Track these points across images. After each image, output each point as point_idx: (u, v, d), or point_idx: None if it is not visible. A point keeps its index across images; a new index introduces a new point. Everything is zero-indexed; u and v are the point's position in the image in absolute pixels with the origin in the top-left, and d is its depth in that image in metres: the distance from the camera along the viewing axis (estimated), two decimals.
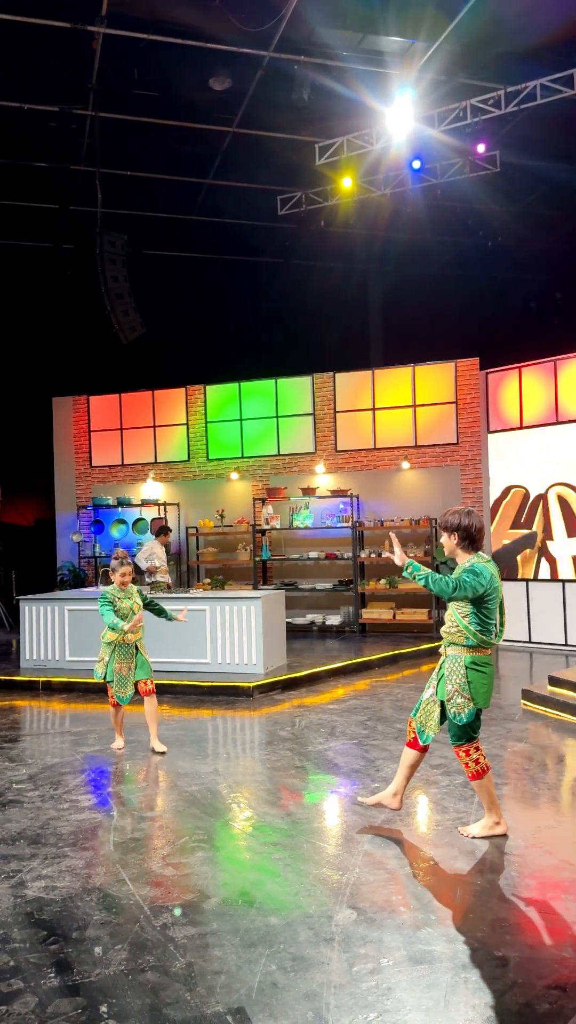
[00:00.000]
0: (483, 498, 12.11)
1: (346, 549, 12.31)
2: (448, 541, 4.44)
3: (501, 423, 11.90)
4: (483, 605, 4.32)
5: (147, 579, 10.87)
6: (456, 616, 4.38)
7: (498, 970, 3.14)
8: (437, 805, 5.05)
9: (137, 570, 8.91)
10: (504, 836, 4.49)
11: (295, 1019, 2.86)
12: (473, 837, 4.48)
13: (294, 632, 11.92)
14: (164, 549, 11.30)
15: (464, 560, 4.41)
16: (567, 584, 10.99)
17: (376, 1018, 2.86)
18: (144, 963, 3.28)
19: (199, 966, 3.24)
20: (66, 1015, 2.95)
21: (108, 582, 11.72)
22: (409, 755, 4.63)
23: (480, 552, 4.43)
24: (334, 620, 12.28)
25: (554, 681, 7.77)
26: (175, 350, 14.69)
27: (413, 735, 4.59)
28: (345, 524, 12.23)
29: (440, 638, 4.60)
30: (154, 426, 13.98)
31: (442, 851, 4.34)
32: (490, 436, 11.98)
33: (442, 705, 4.46)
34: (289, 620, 11.01)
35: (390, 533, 5.06)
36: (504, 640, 11.72)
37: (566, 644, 11.05)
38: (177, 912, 3.72)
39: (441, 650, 4.55)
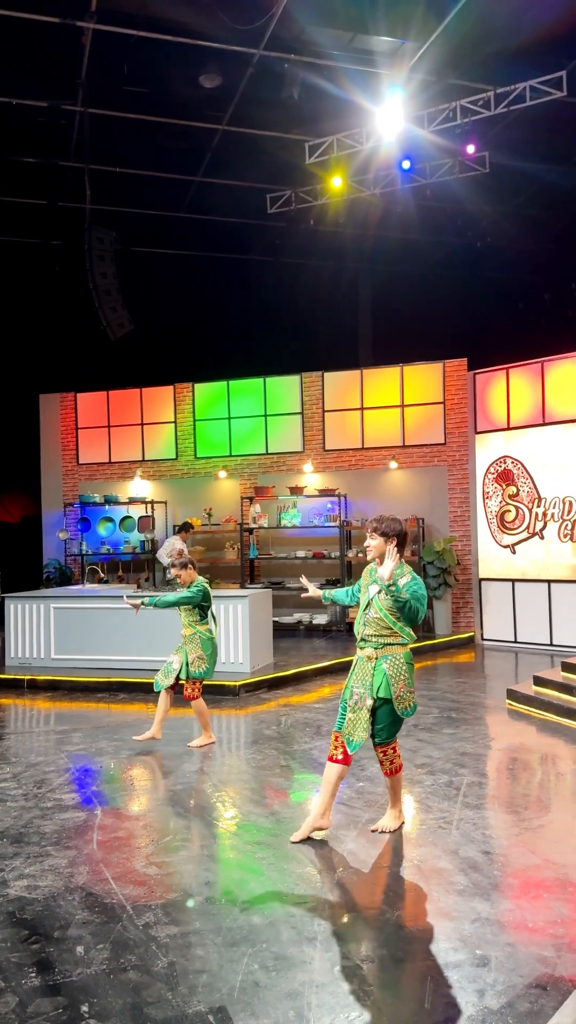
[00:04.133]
0: (470, 498, 12.14)
1: (333, 548, 12.31)
2: (383, 544, 4.50)
3: (489, 424, 11.93)
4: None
5: (168, 575, 10.96)
6: (388, 618, 4.44)
7: (479, 970, 3.15)
8: (421, 804, 5.06)
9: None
10: (403, 824, 4.66)
11: (276, 1018, 2.86)
12: (392, 831, 4.58)
13: (281, 631, 11.91)
14: (186, 546, 11.27)
15: (390, 563, 4.43)
16: (552, 584, 11.04)
17: (357, 1017, 2.86)
18: (126, 962, 3.27)
19: (181, 965, 3.24)
20: (47, 1015, 2.94)
21: (95, 580, 11.76)
22: (334, 770, 4.52)
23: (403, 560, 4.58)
24: (321, 619, 12.29)
25: (539, 681, 7.80)
26: (163, 348, 14.65)
27: (342, 749, 4.51)
28: (333, 523, 12.24)
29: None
30: (142, 424, 13.93)
31: (425, 850, 4.35)
32: (482, 436, 12.02)
33: (374, 707, 4.47)
34: (276, 619, 11.01)
35: (301, 576, 5.29)
36: (489, 639, 11.77)
37: (551, 644, 11.10)
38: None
39: (367, 654, 4.53)
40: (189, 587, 6.55)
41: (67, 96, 11.85)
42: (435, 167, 13.14)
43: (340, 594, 4.91)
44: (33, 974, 3.21)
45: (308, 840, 4.50)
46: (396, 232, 14.55)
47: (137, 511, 13.64)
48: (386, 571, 4.40)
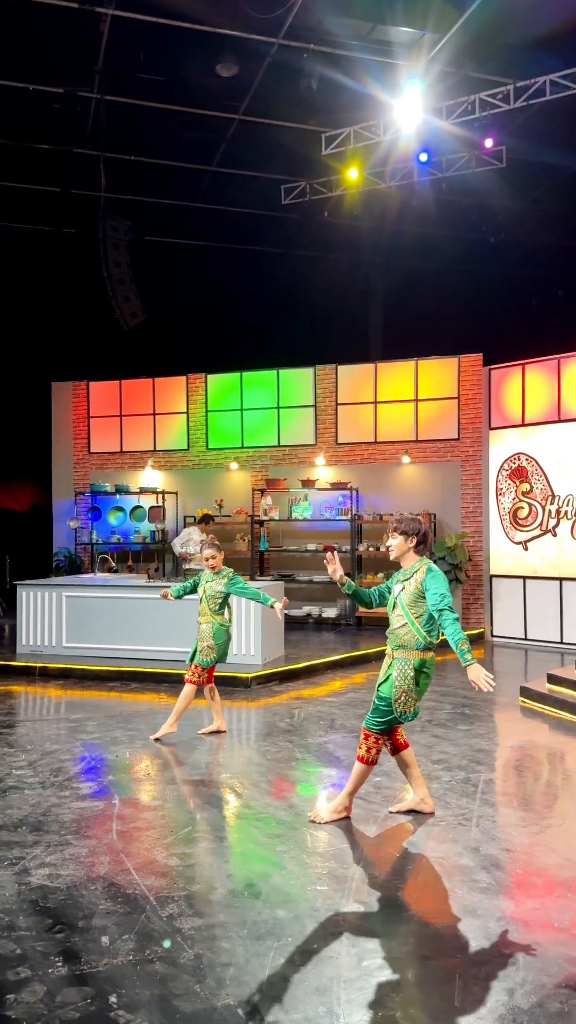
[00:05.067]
0: (483, 494, 12.11)
1: (344, 542, 12.29)
2: (403, 543, 4.55)
3: (503, 420, 11.89)
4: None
5: (183, 565, 10.91)
6: (408, 616, 4.47)
7: (507, 968, 3.14)
8: (440, 801, 5.05)
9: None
10: (348, 819, 4.69)
11: (307, 1013, 2.85)
12: (324, 822, 4.62)
13: (290, 624, 11.87)
14: (203, 536, 11.18)
15: (412, 561, 4.54)
16: (564, 582, 11.01)
17: (388, 1014, 2.85)
18: (152, 953, 3.27)
19: (207, 958, 3.23)
20: (75, 1004, 2.93)
21: (105, 569, 11.75)
22: (399, 759, 4.77)
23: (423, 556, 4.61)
24: (330, 613, 12.28)
25: (553, 679, 7.78)
26: (176, 338, 14.60)
27: (393, 742, 4.70)
28: (344, 517, 12.22)
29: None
30: (154, 414, 13.91)
31: (446, 847, 4.34)
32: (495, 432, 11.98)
33: (377, 698, 4.55)
34: (285, 612, 10.97)
35: (332, 552, 4.92)
36: (499, 636, 11.76)
37: (561, 642, 11.08)
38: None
39: (388, 650, 4.59)
40: (219, 573, 6.52)
41: (83, 83, 11.78)
42: (452, 160, 13.06)
43: (363, 592, 4.80)
44: (59, 963, 3.20)
45: (327, 834, 4.49)
46: (412, 226, 14.48)
47: (148, 501, 13.63)
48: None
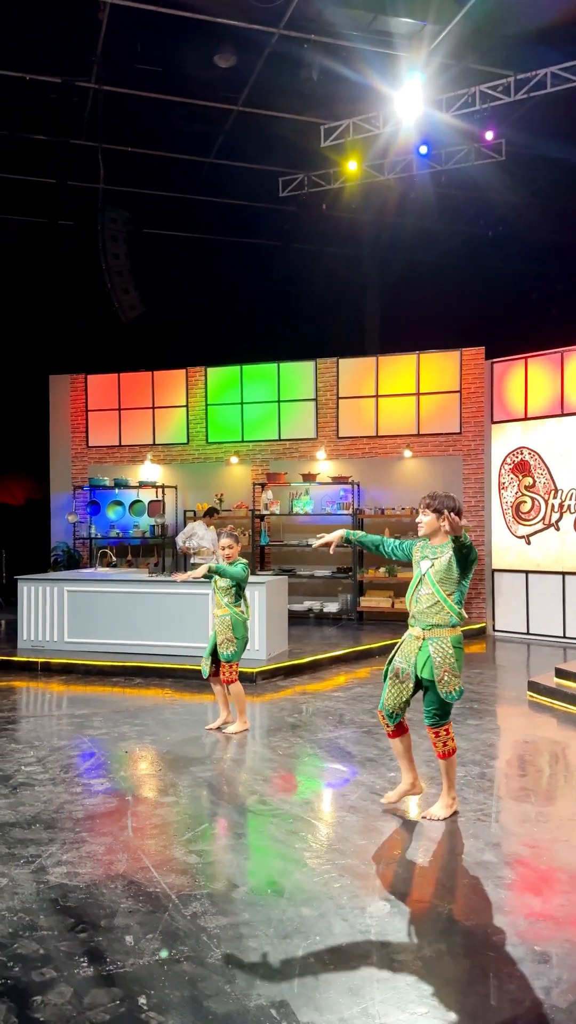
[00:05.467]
0: (485, 489, 12.07)
1: None
2: (435, 521, 4.50)
3: (506, 414, 11.85)
4: (464, 581, 4.47)
5: (189, 559, 10.87)
6: (440, 595, 4.46)
7: (541, 966, 3.09)
8: (457, 796, 5.00)
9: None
10: (457, 813, 4.63)
11: (342, 1014, 2.80)
12: (442, 819, 4.56)
13: (291, 618, 11.80)
14: (212, 533, 11.07)
15: (442, 540, 4.50)
16: (567, 576, 10.99)
17: (425, 1014, 2.80)
18: (178, 953, 3.21)
19: (236, 957, 3.17)
20: (104, 1006, 2.87)
21: (108, 563, 11.66)
22: (397, 744, 4.75)
23: None
24: (332, 607, 12.23)
25: (561, 673, 7.75)
26: (176, 331, 14.50)
27: (390, 725, 4.69)
28: (345, 511, 12.16)
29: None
30: (153, 407, 13.81)
31: (468, 843, 4.29)
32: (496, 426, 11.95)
33: (417, 685, 4.53)
34: (289, 608, 10.93)
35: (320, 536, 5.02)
36: (501, 630, 11.74)
37: (564, 636, 11.06)
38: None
39: (415, 633, 4.55)
40: (234, 563, 6.44)
41: (81, 72, 11.65)
42: (451, 153, 13.00)
43: (368, 538, 4.82)
44: (85, 964, 3.14)
45: (345, 830, 4.44)
46: (411, 218, 14.41)
47: (147, 495, 13.54)
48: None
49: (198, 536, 10.89)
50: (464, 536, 4.29)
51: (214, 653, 6.50)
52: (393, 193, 13.98)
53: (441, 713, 4.53)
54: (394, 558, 4.81)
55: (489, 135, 12.38)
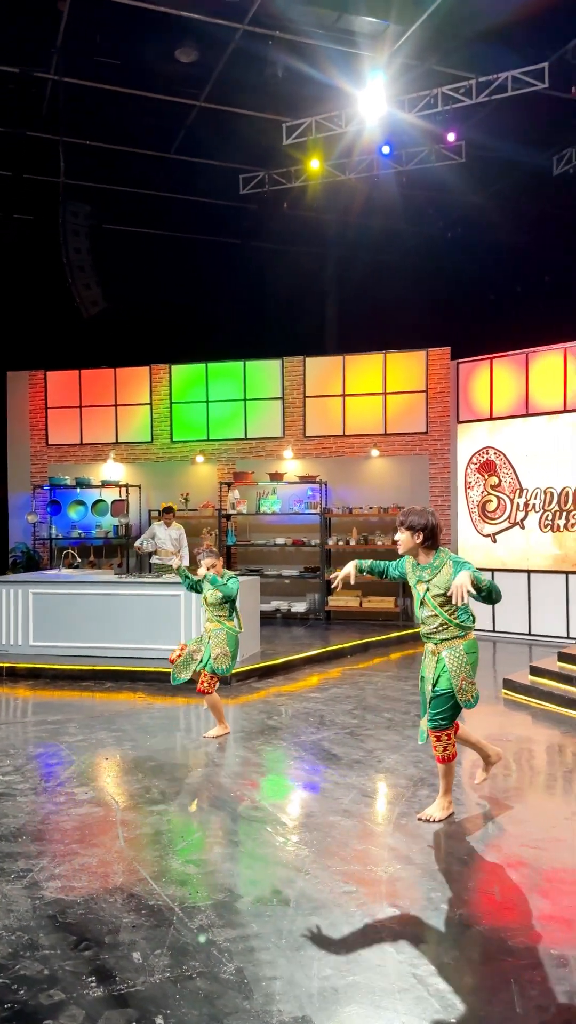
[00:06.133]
0: (451, 488, 12.15)
1: (313, 536, 12.20)
2: (409, 539, 4.46)
3: (471, 414, 11.93)
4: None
5: (150, 560, 10.71)
6: (442, 615, 4.47)
7: (560, 971, 3.07)
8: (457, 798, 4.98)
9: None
10: (452, 815, 4.63)
11: None
12: (437, 821, 4.54)
13: (260, 619, 11.74)
14: (173, 532, 10.90)
15: (427, 557, 4.48)
16: (532, 575, 11.11)
17: None
18: (190, 969, 3.11)
19: (250, 971, 3.09)
20: None
21: (69, 564, 11.41)
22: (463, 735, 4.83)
23: (440, 548, 4.54)
24: (299, 607, 12.17)
25: (536, 671, 7.82)
26: (139, 327, 14.26)
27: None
28: (313, 511, 12.12)
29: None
30: (115, 405, 13.57)
31: (467, 845, 4.27)
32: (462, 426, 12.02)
33: (436, 697, 4.52)
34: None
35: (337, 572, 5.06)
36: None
37: (529, 634, 11.19)
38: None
39: (430, 648, 4.56)
40: (225, 578, 6.32)
41: (41, 64, 11.38)
42: (412, 154, 13.06)
43: (377, 566, 4.81)
44: (93, 984, 3.02)
45: (343, 835, 4.38)
46: (374, 218, 14.42)
47: (110, 495, 13.30)
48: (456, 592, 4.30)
49: (159, 537, 10.75)
50: (480, 580, 4.31)
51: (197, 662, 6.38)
52: (355, 192, 13.98)
53: (447, 717, 4.51)
54: (399, 578, 4.74)
55: (451, 136, 12.47)
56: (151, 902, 3.66)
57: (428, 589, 4.46)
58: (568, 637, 10.67)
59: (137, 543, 10.90)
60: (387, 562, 4.86)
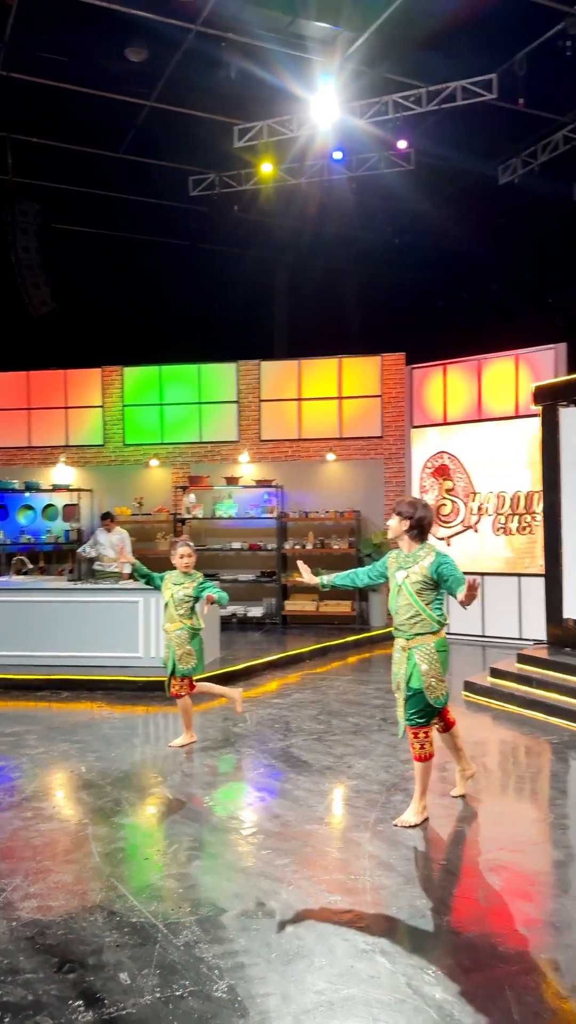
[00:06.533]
0: (406, 492, 12.23)
1: (270, 540, 12.15)
2: (398, 525, 4.58)
3: (426, 419, 12.05)
4: (441, 588, 4.52)
5: (93, 566, 10.48)
6: (417, 603, 4.50)
7: (553, 974, 3.09)
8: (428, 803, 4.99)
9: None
10: (427, 820, 4.62)
11: None
12: (411, 826, 4.54)
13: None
14: (114, 536, 10.71)
15: (411, 547, 4.57)
16: (486, 577, 11.25)
17: None
18: (180, 988, 3.03)
19: (243, 988, 3.02)
20: None
21: (18, 570, 11.14)
22: (443, 739, 4.90)
23: (426, 542, 4.62)
24: (256, 612, 12.12)
25: (496, 673, 7.92)
26: (90, 329, 14.03)
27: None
28: (269, 515, 12.08)
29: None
30: (66, 407, 13.33)
31: (448, 851, 4.28)
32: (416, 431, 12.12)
33: (410, 696, 4.57)
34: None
35: (299, 562, 5.43)
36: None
37: (483, 635, 11.33)
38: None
39: (400, 644, 4.62)
40: (189, 575, 6.22)
41: None
42: (362, 160, 13.16)
43: (343, 578, 4.93)
44: (82, 1008, 2.92)
45: (322, 844, 4.35)
46: (326, 223, 14.46)
47: (61, 499, 13.04)
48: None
49: (100, 543, 10.59)
50: (436, 574, 4.45)
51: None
52: (307, 197, 14.00)
53: (423, 715, 4.54)
54: (372, 584, 4.85)
55: (403, 144, 12.58)
56: (133, 919, 3.57)
57: (408, 576, 4.50)
58: (521, 638, 10.84)
59: (79, 550, 10.75)
60: (356, 571, 4.88)
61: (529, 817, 4.81)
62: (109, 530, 10.77)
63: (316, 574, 5.12)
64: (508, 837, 4.45)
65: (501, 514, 11.19)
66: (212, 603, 6.07)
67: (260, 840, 4.42)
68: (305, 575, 5.09)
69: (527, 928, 3.45)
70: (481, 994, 2.98)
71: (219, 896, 3.78)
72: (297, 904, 3.68)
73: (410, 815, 4.60)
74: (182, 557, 6.20)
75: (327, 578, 4.99)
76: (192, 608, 6.24)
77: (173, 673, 6.20)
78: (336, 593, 12.01)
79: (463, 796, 5.01)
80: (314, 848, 4.30)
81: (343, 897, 3.74)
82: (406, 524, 4.54)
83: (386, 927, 3.47)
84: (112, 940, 3.39)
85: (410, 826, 4.54)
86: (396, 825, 4.56)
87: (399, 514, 4.59)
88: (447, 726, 4.82)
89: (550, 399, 8.33)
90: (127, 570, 10.27)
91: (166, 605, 6.27)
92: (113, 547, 10.65)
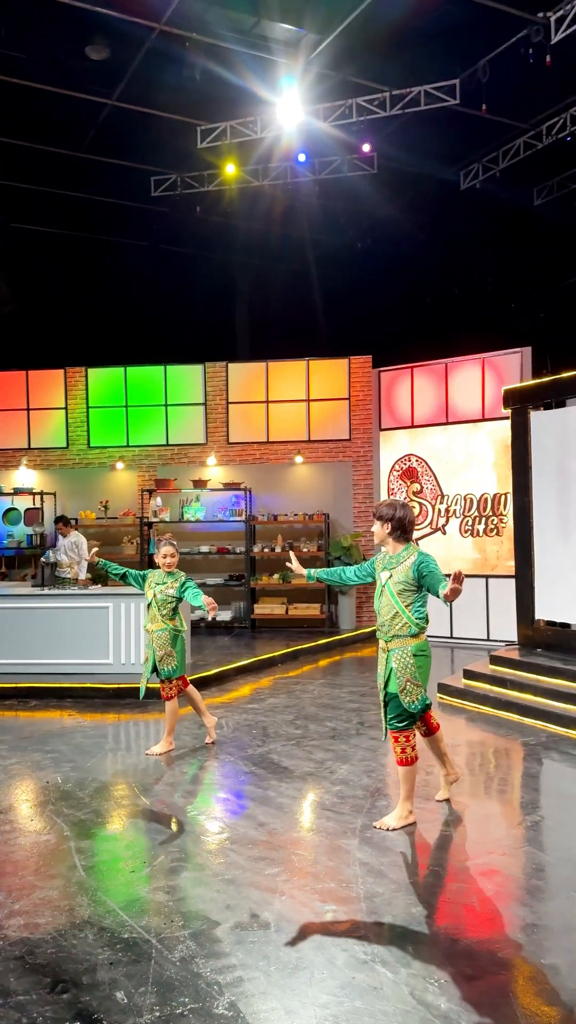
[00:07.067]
0: (374, 494, 12.26)
1: (238, 543, 12.07)
2: (380, 529, 4.62)
3: (393, 421, 12.09)
4: (423, 590, 4.53)
5: (60, 572, 10.30)
6: (398, 605, 4.51)
7: (557, 979, 3.08)
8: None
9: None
10: (414, 824, 4.61)
11: None
12: (391, 829, 4.54)
13: None
14: (67, 541, 10.54)
15: (396, 548, 4.59)
16: None
17: None
18: (180, 1006, 2.95)
19: (244, 1005, 2.96)
20: None
21: None
22: (425, 742, 4.88)
23: (411, 542, 4.65)
24: (224, 616, 12.02)
25: (469, 674, 7.95)
26: (53, 329, 13.81)
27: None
28: (238, 518, 12.00)
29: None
30: (28, 409, 13.08)
31: (437, 855, 4.26)
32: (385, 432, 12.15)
33: (385, 699, 4.60)
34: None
35: (290, 552, 5.54)
36: None
37: (451, 636, 11.40)
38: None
39: (381, 646, 4.65)
40: (172, 575, 6.13)
41: None
42: (325, 163, 13.17)
43: (330, 573, 4.96)
44: None
45: (310, 852, 4.30)
46: (291, 226, 14.44)
47: (23, 503, 12.79)
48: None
49: (58, 548, 10.44)
50: (417, 574, 4.48)
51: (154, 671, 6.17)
52: (270, 199, 13.96)
53: (403, 720, 4.55)
54: (360, 583, 4.87)
55: (367, 147, 12.61)
56: (125, 935, 3.48)
57: (391, 576, 4.53)
58: (489, 639, 10.93)
59: (43, 556, 10.58)
60: (345, 568, 4.95)
61: (514, 820, 4.82)
62: (64, 535, 10.59)
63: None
64: (496, 840, 4.45)
65: (469, 516, 11.28)
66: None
67: (247, 849, 4.35)
68: (294, 564, 5.12)
69: (525, 933, 3.44)
70: (486, 1002, 2.96)
71: (211, 908, 3.71)
72: (291, 915, 3.62)
73: (391, 819, 4.59)
74: (165, 557, 6.12)
75: (315, 570, 5.01)
76: (175, 609, 6.17)
77: (157, 675, 6.11)
78: (305, 595, 11.99)
79: (447, 800, 5.00)
80: (303, 856, 4.25)
81: (337, 906, 3.69)
82: (388, 527, 4.57)
83: (383, 936, 3.43)
84: (105, 957, 3.30)
85: (389, 829, 4.52)
86: (375, 827, 4.55)
87: (379, 518, 4.61)
88: (430, 731, 4.81)
89: (520, 402, 8.41)
90: (82, 575, 10.13)
91: (149, 605, 6.18)
92: (67, 552, 10.49)
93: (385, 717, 4.61)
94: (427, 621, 4.58)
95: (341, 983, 3.08)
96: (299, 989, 3.04)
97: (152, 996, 3.02)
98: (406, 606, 4.49)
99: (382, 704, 4.62)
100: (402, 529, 4.56)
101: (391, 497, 5.03)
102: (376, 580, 4.67)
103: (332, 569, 4.98)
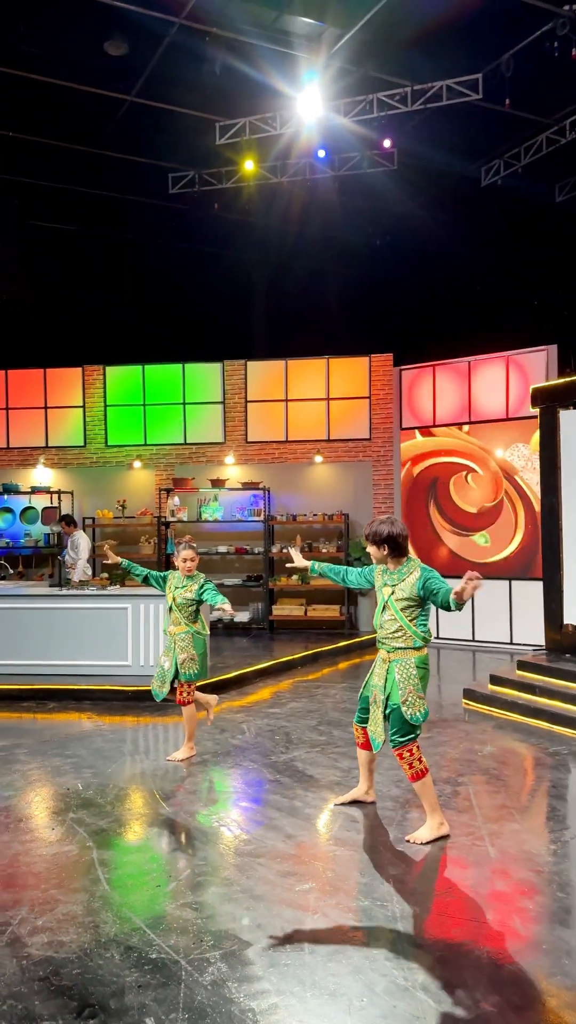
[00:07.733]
0: (394, 495, 12.09)
1: (257, 543, 11.93)
2: (376, 552, 4.52)
3: (415, 420, 11.91)
4: (426, 604, 4.46)
5: (67, 574, 10.19)
6: (402, 619, 4.44)
7: None
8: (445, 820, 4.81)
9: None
10: (447, 836, 4.49)
11: None
12: (424, 843, 4.41)
13: None
14: (73, 541, 10.43)
15: (396, 565, 4.50)
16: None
17: None
18: None
19: None
20: None
21: None
22: (363, 755, 4.94)
23: (410, 556, 4.56)
24: (242, 617, 11.89)
25: (496, 680, 7.78)
26: (71, 327, 13.69)
27: (363, 736, 4.78)
28: (256, 518, 11.85)
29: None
30: (45, 407, 12.98)
31: (473, 872, 4.10)
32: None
33: (386, 712, 4.51)
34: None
35: (293, 545, 5.32)
36: None
37: (473, 640, 11.22)
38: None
39: (382, 655, 4.56)
40: (192, 578, 6.01)
41: None
42: (344, 159, 13.00)
43: (332, 569, 4.86)
44: None
45: (342, 866, 4.15)
46: (310, 222, 14.28)
47: (41, 502, 12.70)
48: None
49: (78, 547, 10.34)
50: (422, 592, 4.37)
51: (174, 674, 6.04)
52: (288, 196, 13.81)
53: (405, 733, 4.44)
54: (359, 587, 4.81)
55: (387, 143, 12.44)
56: (152, 955, 3.34)
57: (393, 592, 4.45)
58: (512, 643, 10.74)
59: (60, 556, 10.49)
60: (348, 568, 4.86)
61: (550, 835, 4.65)
62: (69, 535, 10.48)
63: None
64: (532, 857, 4.28)
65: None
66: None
67: (275, 863, 4.21)
68: (295, 556, 5.05)
69: (571, 958, 3.28)
70: None
71: (240, 928, 3.56)
72: (326, 935, 3.48)
73: (424, 832, 4.45)
74: (185, 561, 6.00)
75: (318, 564, 4.91)
76: (196, 611, 6.06)
77: (176, 678, 5.99)
78: (324, 597, 11.83)
79: (347, 804, 4.99)
80: (335, 872, 4.10)
81: (374, 926, 3.55)
82: (385, 548, 4.48)
83: (423, 960, 3.28)
84: (133, 980, 3.16)
85: (423, 843, 4.38)
86: (408, 841, 4.41)
87: (373, 543, 4.51)
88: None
89: (548, 401, 8.22)
90: (77, 577, 10.01)
91: (170, 608, 6.07)
92: (70, 552, 10.39)
93: (379, 730, 4.52)
94: (430, 635, 4.52)
95: (382, 1012, 2.93)
96: (338, 1019, 2.89)
97: (183, 1023, 2.88)
98: (411, 620, 4.43)
99: (379, 717, 4.51)
100: (396, 546, 4.47)
101: (377, 517, 4.88)
102: (376, 593, 4.59)
103: (336, 566, 4.88)
